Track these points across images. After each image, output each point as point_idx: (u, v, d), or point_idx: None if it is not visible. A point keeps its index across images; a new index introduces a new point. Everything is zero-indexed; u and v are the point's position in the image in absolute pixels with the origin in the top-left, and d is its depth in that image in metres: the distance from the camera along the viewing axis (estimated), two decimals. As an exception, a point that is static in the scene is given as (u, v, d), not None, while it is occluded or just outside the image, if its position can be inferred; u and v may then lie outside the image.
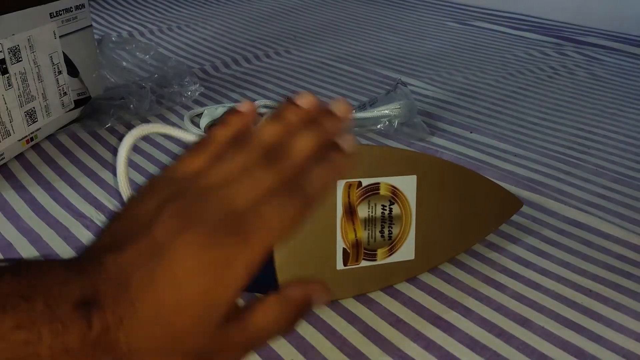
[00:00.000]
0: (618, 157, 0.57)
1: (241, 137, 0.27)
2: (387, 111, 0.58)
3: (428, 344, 0.34)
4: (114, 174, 0.39)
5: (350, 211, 0.36)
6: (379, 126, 0.59)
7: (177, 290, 0.23)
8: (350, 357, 0.33)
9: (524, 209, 0.47)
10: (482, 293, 0.38)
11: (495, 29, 1.02)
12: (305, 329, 0.35)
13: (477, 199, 0.40)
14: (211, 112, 0.59)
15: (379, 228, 0.36)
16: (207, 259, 0.23)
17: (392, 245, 0.37)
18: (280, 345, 0.33)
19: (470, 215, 0.40)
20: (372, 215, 0.36)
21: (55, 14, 0.54)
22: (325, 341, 0.34)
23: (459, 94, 0.72)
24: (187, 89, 0.68)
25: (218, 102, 0.67)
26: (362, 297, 0.37)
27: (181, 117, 0.63)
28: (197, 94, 0.68)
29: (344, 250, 0.36)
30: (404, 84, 0.60)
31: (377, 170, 0.36)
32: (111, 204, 0.47)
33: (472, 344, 0.34)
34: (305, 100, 0.28)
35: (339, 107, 0.29)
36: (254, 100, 0.61)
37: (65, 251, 0.41)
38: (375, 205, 0.36)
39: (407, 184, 0.37)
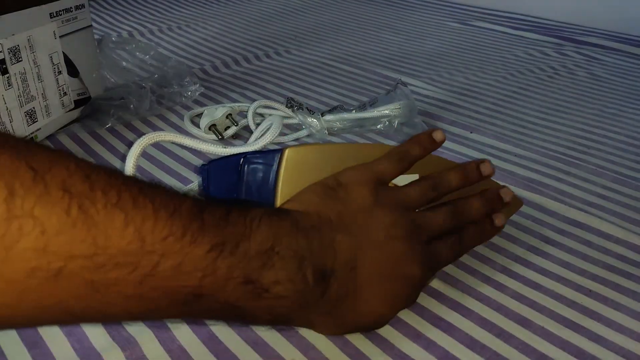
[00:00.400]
0: (618, 157, 0.57)
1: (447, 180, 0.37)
2: (387, 111, 0.58)
3: (428, 344, 0.34)
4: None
5: None
6: (379, 126, 0.59)
7: (386, 286, 0.31)
8: (350, 357, 0.33)
9: (524, 209, 0.47)
10: (482, 293, 0.38)
11: (496, 29, 1.02)
12: (305, 329, 0.35)
13: None
14: (211, 112, 0.59)
15: None
16: (412, 272, 0.33)
17: None
18: (281, 345, 0.33)
19: None
20: None
21: (55, 14, 0.54)
22: (326, 341, 0.34)
23: (459, 94, 0.72)
24: (187, 89, 0.68)
25: (218, 102, 0.67)
26: (362, 297, 0.37)
27: (181, 117, 0.63)
28: (197, 94, 0.68)
29: None
30: (404, 84, 0.60)
31: None
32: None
33: (472, 344, 0.34)
34: (488, 168, 0.39)
35: (505, 194, 0.39)
36: (254, 100, 0.61)
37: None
38: None
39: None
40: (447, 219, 0.35)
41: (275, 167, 0.34)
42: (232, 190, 0.35)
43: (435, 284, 0.39)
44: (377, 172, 0.34)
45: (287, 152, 0.34)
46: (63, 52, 0.56)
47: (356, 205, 0.32)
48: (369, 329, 0.34)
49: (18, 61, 0.50)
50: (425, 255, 0.33)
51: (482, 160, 0.38)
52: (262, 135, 0.49)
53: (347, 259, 0.30)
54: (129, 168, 0.38)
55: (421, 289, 0.35)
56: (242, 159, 0.34)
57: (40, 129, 0.55)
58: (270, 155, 0.34)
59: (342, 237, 0.30)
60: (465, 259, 0.41)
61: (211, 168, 0.36)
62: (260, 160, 0.34)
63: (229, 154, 0.37)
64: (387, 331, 0.35)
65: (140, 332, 0.34)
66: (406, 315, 0.36)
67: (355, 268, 0.30)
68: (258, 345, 0.33)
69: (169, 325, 0.34)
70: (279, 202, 0.33)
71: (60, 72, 0.56)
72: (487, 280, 0.39)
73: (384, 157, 0.35)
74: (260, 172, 0.34)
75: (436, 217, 0.35)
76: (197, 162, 0.54)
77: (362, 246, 0.30)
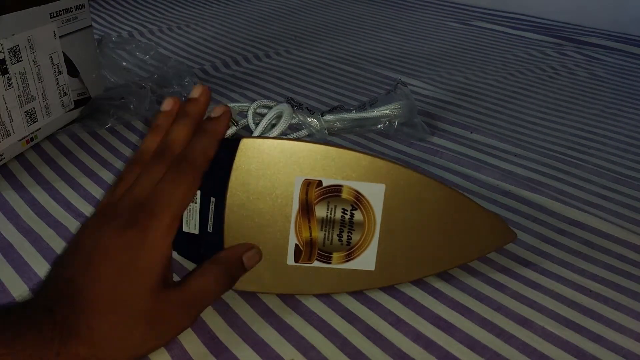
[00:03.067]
0: (618, 157, 0.57)
1: (136, 156, 0.34)
2: (387, 111, 0.58)
3: (428, 344, 0.34)
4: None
5: (306, 209, 0.36)
6: (379, 126, 0.59)
7: (111, 268, 0.29)
8: (350, 357, 0.33)
9: (524, 208, 0.48)
10: (482, 293, 0.38)
11: (496, 29, 1.02)
12: (305, 329, 0.35)
13: (458, 223, 0.37)
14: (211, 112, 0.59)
15: (337, 231, 0.36)
16: (126, 238, 0.29)
17: (350, 251, 0.36)
18: (280, 345, 0.33)
19: (447, 238, 0.37)
20: (330, 217, 0.36)
21: (55, 14, 0.54)
22: (326, 341, 0.34)
23: (459, 94, 0.72)
24: (187, 89, 0.68)
25: (218, 102, 0.67)
26: (362, 297, 0.37)
27: (181, 117, 0.63)
28: (197, 94, 0.68)
29: (297, 246, 0.36)
30: (404, 84, 0.60)
31: (342, 173, 0.35)
32: (111, 204, 0.47)
33: (472, 344, 0.34)
34: (167, 104, 0.35)
35: (196, 92, 0.35)
36: (254, 100, 0.61)
37: (65, 251, 0.41)
38: (335, 207, 0.35)
39: (374, 192, 0.35)
40: (151, 169, 0.32)
41: (232, 155, 0.35)
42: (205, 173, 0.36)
43: (436, 284, 0.39)
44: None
45: (242, 142, 0.36)
46: (63, 52, 0.56)
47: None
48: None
49: (18, 61, 0.50)
50: (131, 214, 0.31)
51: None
52: (269, 124, 0.50)
53: (64, 287, 0.29)
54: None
55: (161, 240, 0.30)
56: None
57: (40, 129, 0.55)
58: (232, 143, 0.36)
59: (56, 281, 0.30)
60: (465, 259, 0.41)
61: None
62: (222, 148, 0.36)
63: None
64: (387, 331, 0.35)
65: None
66: (406, 314, 0.36)
67: (78, 289, 0.29)
68: (257, 345, 0.33)
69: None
70: (229, 189, 0.36)
71: (60, 72, 0.56)
72: (487, 280, 0.39)
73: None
74: (221, 159, 0.35)
75: (137, 183, 0.32)
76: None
77: (77, 268, 0.30)
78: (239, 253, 0.34)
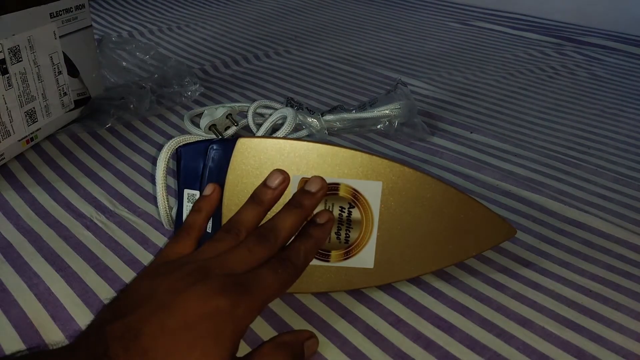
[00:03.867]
0: (618, 158, 0.57)
1: (233, 225, 0.34)
2: (387, 111, 0.58)
3: (428, 344, 0.34)
4: (153, 182, 0.39)
5: None
6: (379, 126, 0.59)
7: (189, 332, 0.26)
8: (350, 357, 0.33)
9: (524, 208, 0.48)
10: (482, 293, 0.38)
11: (496, 29, 1.02)
12: (305, 329, 0.35)
13: (456, 220, 0.37)
14: (211, 112, 0.59)
15: (334, 229, 0.36)
16: (213, 303, 0.27)
17: (349, 249, 0.36)
18: (280, 345, 0.33)
19: (445, 235, 0.37)
20: None
21: (55, 14, 0.54)
22: (326, 341, 0.34)
23: (459, 94, 0.72)
24: (187, 89, 0.68)
25: (218, 102, 0.67)
26: (362, 297, 0.37)
27: (181, 117, 0.63)
28: (197, 94, 0.68)
29: None
30: (404, 84, 0.60)
31: (339, 171, 0.35)
32: (111, 204, 0.47)
33: (472, 344, 0.34)
34: (275, 179, 0.35)
35: (316, 185, 0.35)
36: (254, 100, 0.61)
37: (65, 251, 0.41)
38: (333, 205, 0.36)
39: (371, 190, 0.35)
40: (253, 248, 0.32)
41: (229, 155, 0.36)
42: (198, 174, 0.37)
43: (436, 283, 0.39)
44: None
45: (238, 142, 0.36)
46: (63, 52, 0.56)
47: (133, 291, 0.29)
48: None
49: (18, 61, 0.50)
50: (228, 283, 0.29)
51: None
52: (271, 127, 0.50)
53: (121, 334, 0.26)
54: (160, 173, 0.40)
55: (246, 319, 0.29)
56: (209, 145, 0.36)
57: (40, 129, 0.55)
58: (229, 144, 0.36)
59: (112, 324, 0.27)
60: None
61: (182, 152, 0.37)
62: (220, 148, 0.36)
63: (201, 139, 0.38)
64: (387, 331, 0.35)
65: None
66: (406, 314, 0.36)
67: (137, 336, 0.26)
68: (257, 344, 0.33)
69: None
70: (225, 189, 0.36)
71: (60, 72, 0.56)
72: (487, 280, 0.39)
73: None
74: (219, 159, 0.36)
75: (235, 254, 0.31)
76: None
77: (141, 315, 0.27)
78: (301, 339, 0.32)
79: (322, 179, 0.35)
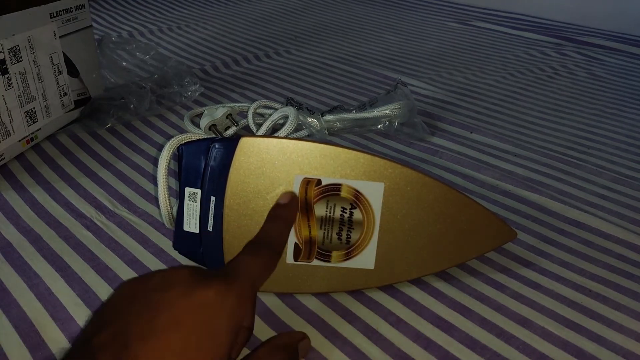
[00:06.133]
0: (618, 157, 0.57)
1: None
2: (387, 111, 0.58)
3: (428, 344, 0.34)
4: (153, 182, 0.39)
5: (306, 207, 0.36)
6: (379, 126, 0.59)
7: (179, 330, 0.25)
8: (350, 357, 0.33)
9: (524, 208, 0.48)
10: (482, 293, 0.38)
11: (496, 29, 1.02)
12: (305, 330, 0.35)
13: (457, 222, 0.37)
14: (211, 112, 0.59)
15: (336, 230, 0.36)
16: (201, 297, 0.26)
17: (350, 250, 0.36)
18: (280, 345, 0.33)
19: (447, 237, 0.37)
20: (329, 216, 0.36)
21: (55, 14, 0.54)
22: (326, 341, 0.34)
23: (459, 94, 0.72)
24: (187, 89, 0.68)
25: (218, 102, 0.67)
26: (362, 297, 0.37)
27: (181, 117, 0.63)
28: (197, 94, 0.68)
29: (296, 245, 0.36)
30: (404, 84, 0.60)
31: (341, 172, 0.35)
32: (111, 204, 0.47)
33: (472, 344, 0.34)
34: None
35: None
36: (254, 100, 0.61)
37: (65, 251, 0.41)
38: (335, 206, 0.35)
39: (373, 191, 0.35)
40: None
41: (231, 154, 0.36)
42: (199, 172, 0.37)
43: (436, 283, 0.39)
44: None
45: (241, 140, 0.36)
46: (63, 52, 0.56)
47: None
48: None
49: (18, 61, 0.50)
50: (209, 274, 0.28)
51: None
52: (272, 126, 0.50)
53: (108, 344, 0.24)
54: (162, 171, 0.39)
55: (238, 309, 0.27)
56: (210, 144, 0.36)
57: (40, 129, 0.55)
58: (231, 143, 0.36)
59: (97, 336, 0.25)
60: (465, 259, 0.41)
61: (184, 150, 0.37)
62: (222, 147, 0.36)
63: (202, 138, 0.38)
64: (387, 331, 0.35)
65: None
66: (406, 314, 0.36)
67: (126, 344, 0.24)
68: (256, 345, 0.33)
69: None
70: (227, 188, 0.36)
71: (60, 72, 0.56)
72: (487, 280, 0.39)
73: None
74: (221, 158, 0.36)
75: None
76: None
77: (126, 320, 0.25)
78: (295, 341, 0.32)
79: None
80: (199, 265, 0.30)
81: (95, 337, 0.25)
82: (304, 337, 0.32)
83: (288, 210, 0.35)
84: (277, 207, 0.35)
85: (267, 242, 0.32)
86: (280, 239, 0.33)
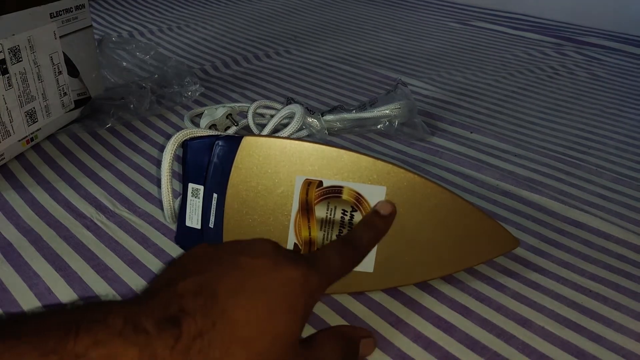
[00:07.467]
0: (618, 158, 0.57)
1: None
2: (387, 111, 0.58)
3: (428, 344, 0.34)
4: (159, 186, 0.38)
5: (306, 208, 0.36)
6: (379, 126, 0.59)
7: (266, 296, 0.25)
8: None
9: (524, 209, 0.48)
10: (482, 293, 0.38)
11: (495, 29, 1.02)
12: (305, 330, 0.35)
13: (459, 229, 0.36)
14: (211, 112, 0.59)
15: (336, 232, 0.36)
16: (287, 274, 0.27)
17: None
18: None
19: (447, 243, 0.37)
20: (330, 218, 0.36)
21: (55, 14, 0.54)
22: (326, 341, 0.34)
23: (459, 94, 0.72)
24: (187, 89, 0.68)
25: (218, 102, 0.67)
26: (361, 297, 0.37)
27: (181, 117, 0.63)
28: (197, 94, 0.68)
29: (296, 245, 0.36)
30: (404, 84, 0.60)
31: (343, 174, 0.35)
32: (111, 204, 0.47)
33: (472, 344, 0.34)
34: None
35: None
36: (254, 100, 0.61)
37: (65, 251, 0.41)
38: (335, 208, 0.35)
39: (375, 194, 0.35)
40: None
41: (234, 153, 0.36)
42: (203, 169, 0.37)
43: (436, 283, 0.39)
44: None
45: (244, 140, 0.36)
46: (63, 52, 0.56)
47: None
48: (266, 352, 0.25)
49: (18, 61, 0.50)
50: (298, 257, 0.29)
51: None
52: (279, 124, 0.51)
53: (196, 291, 0.24)
54: (166, 165, 0.39)
55: (316, 293, 0.28)
56: (215, 141, 0.36)
57: (40, 129, 0.55)
58: (235, 141, 0.36)
59: (183, 281, 0.25)
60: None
61: (189, 145, 0.37)
62: (225, 145, 0.36)
63: (207, 134, 0.38)
64: (387, 331, 0.35)
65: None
66: (406, 315, 0.36)
67: (214, 294, 0.24)
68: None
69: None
70: (229, 186, 0.36)
71: (60, 72, 0.56)
72: (487, 280, 0.39)
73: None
74: (224, 156, 0.36)
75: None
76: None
77: (215, 273, 0.26)
78: (359, 335, 0.32)
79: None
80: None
81: (181, 283, 0.25)
82: (369, 335, 0.32)
83: (385, 222, 0.35)
84: (376, 215, 0.35)
85: (355, 245, 0.33)
86: (368, 246, 0.34)
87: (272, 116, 0.55)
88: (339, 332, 0.31)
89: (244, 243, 0.29)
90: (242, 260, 0.27)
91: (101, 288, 0.38)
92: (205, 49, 0.88)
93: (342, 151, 0.35)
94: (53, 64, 0.55)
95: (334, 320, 0.36)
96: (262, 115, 0.59)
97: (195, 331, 0.22)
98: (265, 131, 0.51)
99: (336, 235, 0.36)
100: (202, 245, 0.29)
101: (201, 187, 0.37)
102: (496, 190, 0.50)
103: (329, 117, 0.58)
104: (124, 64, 0.70)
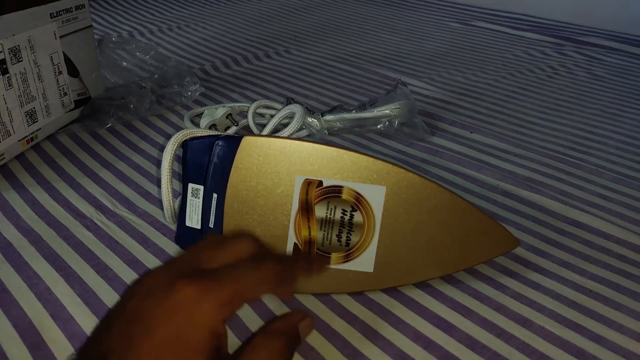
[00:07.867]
0: (618, 157, 0.57)
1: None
2: (387, 111, 0.58)
3: (428, 344, 0.34)
4: (158, 186, 0.38)
5: (306, 208, 0.36)
6: (379, 126, 0.59)
7: (152, 338, 0.23)
8: (350, 357, 0.33)
9: (524, 209, 0.48)
10: (482, 293, 0.38)
11: (496, 29, 1.02)
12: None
13: (459, 229, 0.36)
14: (211, 112, 0.59)
15: (336, 232, 0.36)
16: (170, 305, 0.24)
17: (349, 252, 0.36)
18: (280, 346, 0.33)
19: (447, 243, 0.36)
20: (329, 217, 0.36)
21: (55, 14, 0.54)
22: (326, 342, 0.34)
23: (459, 94, 0.72)
24: (187, 89, 0.68)
25: (218, 102, 0.67)
26: (361, 297, 0.37)
27: (181, 117, 0.63)
28: (197, 94, 0.68)
29: (295, 245, 0.36)
30: (404, 84, 0.60)
31: (343, 174, 0.35)
32: (111, 204, 0.47)
33: (472, 344, 0.34)
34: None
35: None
36: (254, 100, 0.61)
37: (65, 251, 0.41)
38: (335, 208, 0.35)
39: (374, 194, 0.35)
40: None
41: (234, 152, 0.36)
42: (203, 169, 0.37)
43: (436, 283, 0.39)
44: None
45: (244, 140, 0.36)
46: (63, 52, 0.56)
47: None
48: None
49: (18, 61, 0.50)
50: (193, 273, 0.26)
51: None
52: (280, 122, 0.51)
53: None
54: (166, 165, 0.40)
55: (214, 314, 0.24)
56: (215, 141, 0.37)
57: (40, 129, 0.55)
58: (234, 141, 0.36)
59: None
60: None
61: (189, 145, 0.37)
62: (225, 145, 0.36)
63: (207, 134, 0.38)
64: (387, 331, 0.35)
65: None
66: (406, 315, 0.36)
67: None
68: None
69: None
70: (229, 186, 0.36)
71: (60, 72, 0.56)
72: (488, 280, 0.39)
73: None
74: (224, 156, 0.36)
75: None
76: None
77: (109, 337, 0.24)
78: (295, 322, 0.28)
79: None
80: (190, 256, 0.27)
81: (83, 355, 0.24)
82: (304, 316, 0.29)
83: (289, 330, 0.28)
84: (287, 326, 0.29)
85: (272, 258, 0.28)
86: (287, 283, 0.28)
87: (272, 116, 0.55)
88: (274, 331, 0.28)
89: (142, 281, 0.26)
90: (132, 308, 0.25)
91: (101, 288, 0.38)
92: (205, 49, 0.88)
93: (342, 151, 0.35)
94: (53, 64, 0.55)
95: (334, 320, 0.36)
96: (262, 115, 0.59)
97: None
98: (265, 131, 0.51)
99: (335, 235, 0.36)
100: (128, 289, 0.27)
101: (201, 187, 0.37)
102: (496, 190, 0.50)
103: (328, 117, 0.58)
104: (124, 64, 0.70)
